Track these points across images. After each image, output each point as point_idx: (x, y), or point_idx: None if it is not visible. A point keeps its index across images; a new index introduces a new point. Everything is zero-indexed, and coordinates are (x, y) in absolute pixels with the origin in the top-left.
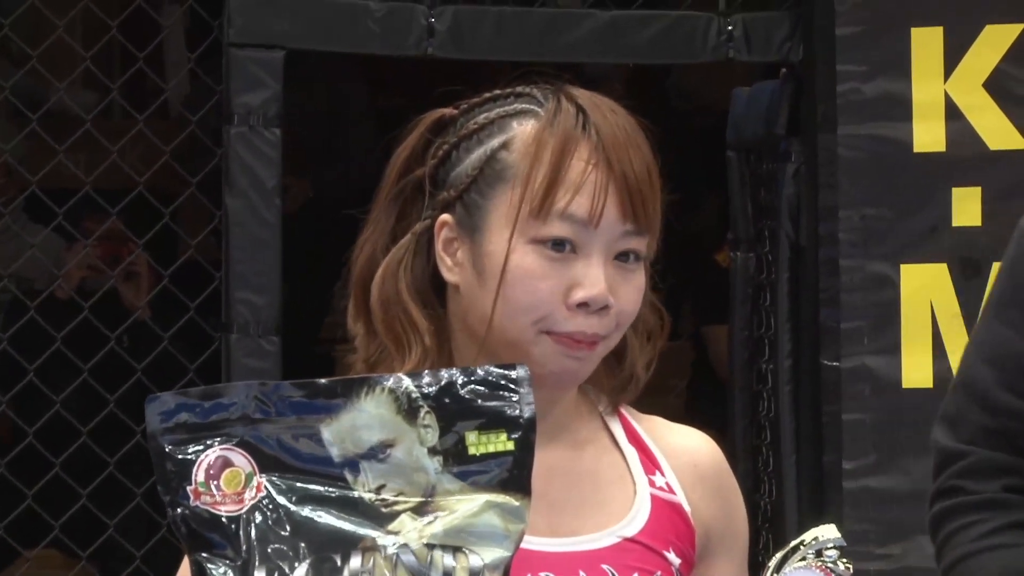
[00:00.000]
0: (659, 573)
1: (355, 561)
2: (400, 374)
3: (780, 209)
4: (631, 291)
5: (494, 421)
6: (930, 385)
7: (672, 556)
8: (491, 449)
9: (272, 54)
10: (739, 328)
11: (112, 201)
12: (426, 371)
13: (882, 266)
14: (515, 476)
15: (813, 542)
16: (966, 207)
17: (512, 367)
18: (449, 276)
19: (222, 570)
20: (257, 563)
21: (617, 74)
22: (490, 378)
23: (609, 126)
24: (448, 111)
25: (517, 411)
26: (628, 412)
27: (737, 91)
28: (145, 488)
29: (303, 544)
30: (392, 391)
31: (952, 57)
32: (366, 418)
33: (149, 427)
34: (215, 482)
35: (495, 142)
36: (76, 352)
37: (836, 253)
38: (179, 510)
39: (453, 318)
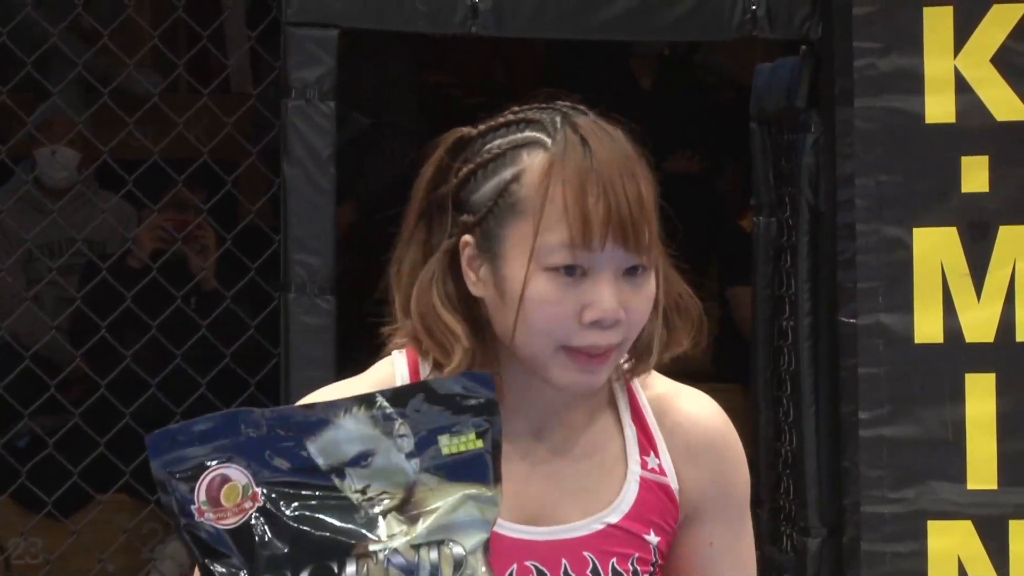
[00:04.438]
0: (636, 555)
1: (350, 568)
2: (376, 391)
3: (800, 177)
4: (641, 301)
5: (463, 425)
6: (940, 340)
7: (651, 537)
8: (463, 449)
9: (327, 32)
10: (762, 288)
11: (178, 170)
12: (399, 386)
13: (896, 229)
14: (486, 470)
15: None
16: (974, 174)
17: (481, 374)
18: (474, 290)
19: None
20: (263, 570)
21: (653, 50)
22: (457, 387)
23: (608, 156)
24: (467, 131)
25: (483, 414)
26: (639, 382)
27: (760, 66)
28: None
29: (301, 552)
30: (368, 409)
31: (961, 34)
32: (346, 434)
33: (152, 460)
34: (215, 497)
35: (507, 173)
36: (148, 313)
37: (853, 218)
38: (186, 526)
39: (488, 321)
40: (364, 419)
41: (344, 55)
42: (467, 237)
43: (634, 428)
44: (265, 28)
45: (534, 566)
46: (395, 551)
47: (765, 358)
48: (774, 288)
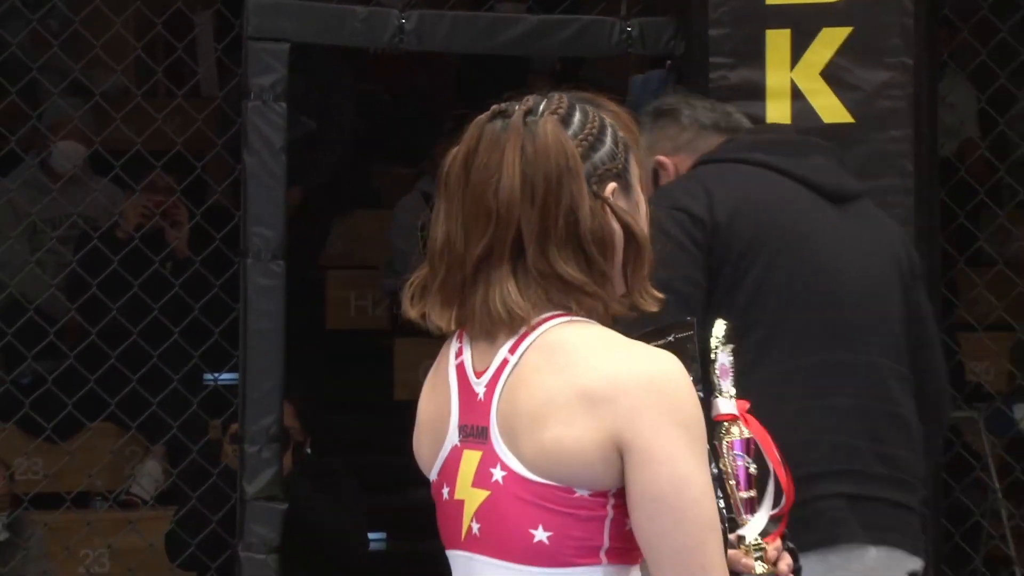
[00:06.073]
0: None
1: None
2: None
3: None
4: None
5: None
6: None
7: None
8: None
9: (280, 46)
10: None
11: (157, 158)
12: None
13: None
14: None
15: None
16: None
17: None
18: (620, 224)
19: None
20: None
21: (547, 65)
22: None
23: None
24: (560, 115)
25: None
26: None
27: (634, 77)
28: (181, 374)
29: None
30: None
31: (797, 52)
32: None
33: None
34: None
35: (609, 128)
36: (132, 274)
37: None
38: None
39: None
40: None
41: (294, 67)
42: (613, 184)
43: None
44: (229, 42)
45: None
46: None
47: None
48: None
